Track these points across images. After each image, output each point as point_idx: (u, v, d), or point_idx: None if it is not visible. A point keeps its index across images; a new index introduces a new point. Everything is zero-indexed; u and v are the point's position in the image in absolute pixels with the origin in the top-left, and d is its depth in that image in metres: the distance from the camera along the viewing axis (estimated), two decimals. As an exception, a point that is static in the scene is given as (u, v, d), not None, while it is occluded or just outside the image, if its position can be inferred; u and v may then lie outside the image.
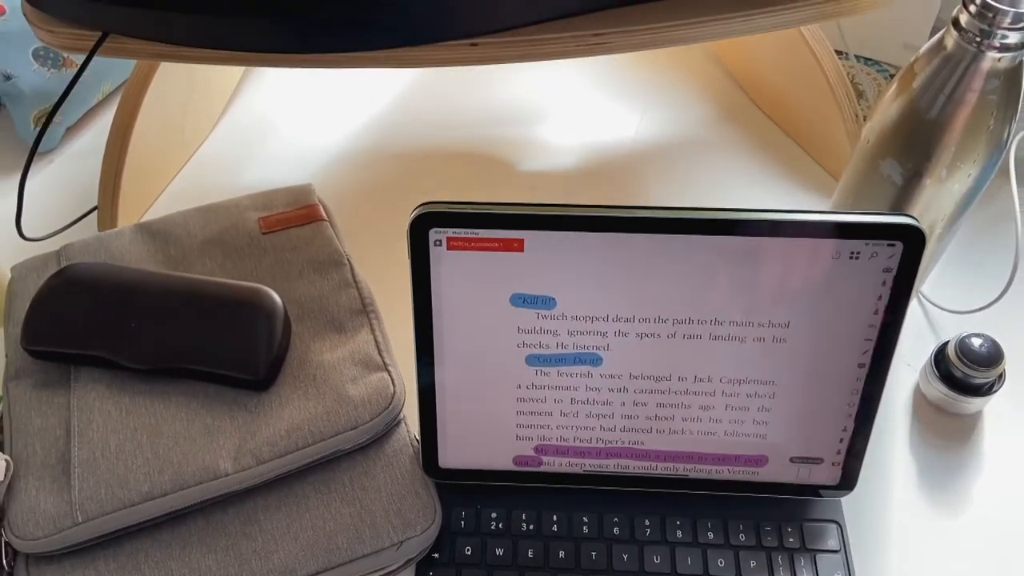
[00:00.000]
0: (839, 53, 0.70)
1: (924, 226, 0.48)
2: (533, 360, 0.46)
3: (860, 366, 0.45)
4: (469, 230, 0.42)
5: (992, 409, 0.55)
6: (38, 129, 0.63)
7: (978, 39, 0.42)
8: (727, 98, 0.75)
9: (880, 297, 0.43)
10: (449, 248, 0.43)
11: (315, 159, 0.70)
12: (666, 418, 0.48)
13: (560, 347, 0.46)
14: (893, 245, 0.41)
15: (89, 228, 0.62)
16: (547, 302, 0.44)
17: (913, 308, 0.60)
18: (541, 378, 0.47)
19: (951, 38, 0.43)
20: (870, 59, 0.74)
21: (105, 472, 0.46)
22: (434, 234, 0.42)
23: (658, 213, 0.42)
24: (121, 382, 0.50)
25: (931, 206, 0.48)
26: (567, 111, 0.74)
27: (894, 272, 0.42)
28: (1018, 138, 0.66)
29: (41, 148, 0.70)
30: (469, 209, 0.42)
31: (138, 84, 0.60)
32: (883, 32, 0.72)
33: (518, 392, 0.47)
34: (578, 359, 0.46)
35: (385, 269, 0.53)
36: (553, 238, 0.42)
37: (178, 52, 0.45)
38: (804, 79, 0.67)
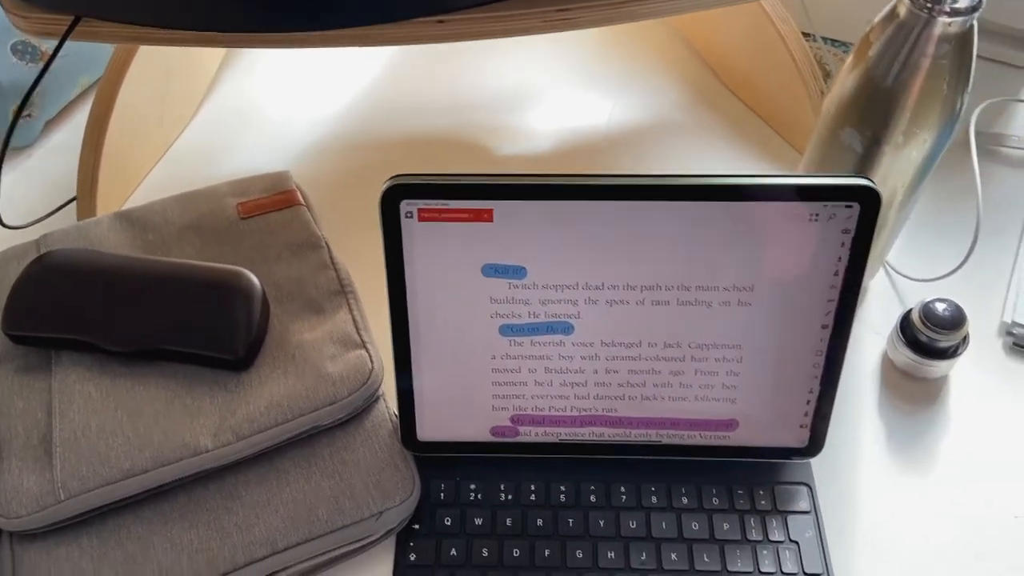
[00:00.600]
0: (806, 35, 0.71)
1: (885, 192, 0.50)
2: (506, 330, 0.47)
3: (823, 327, 0.46)
4: (439, 201, 0.43)
5: (957, 372, 0.56)
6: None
7: (929, 5, 0.43)
8: (698, 81, 0.76)
9: (840, 258, 0.44)
10: (420, 220, 0.44)
11: (293, 147, 0.71)
12: (638, 385, 0.49)
13: (532, 316, 0.47)
14: (851, 207, 0.42)
15: (69, 219, 0.62)
16: (518, 271, 0.45)
17: (880, 277, 0.61)
18: (515, 348, 0.48)
19: (903, 6, 0.44)
20: (836, 40, 0.76)
21: (86, 451, 0.47)
22: (405, 206, 0.43)
23: (623, 181, 0.43)
24: (102, 365, 0.50)
25: (891, 173, 0.50)
26: (542, 97, 0.75)
27: (852, 233, 0.43)
28: (978, 110, 0.67)
29: (20, 143, 0.70)
30: (438, 180, 0.43)
31: (115, 74, 0.61)
32: (848, 13, 0.74)
33: (493, 363, 0.48)
34: (550, 328, 0.47)
35: (363, 251, 0.54)
36: (522, 207, 0.43)
37: (150, 34, 0.46)
38: (771, 60, 0.69)
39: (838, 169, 0.51)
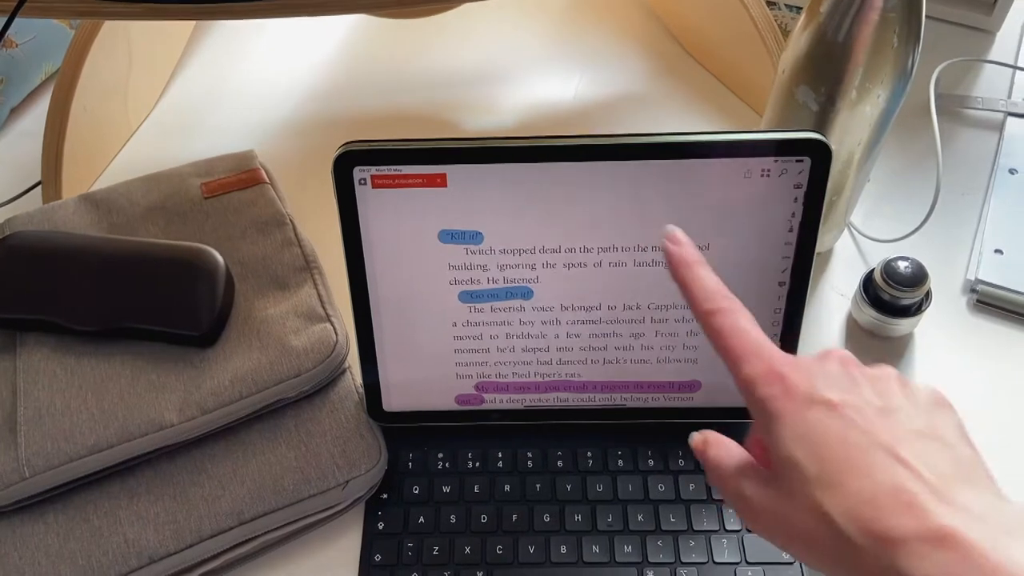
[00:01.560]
0: (769, 3, 0.71)
1: (842, 151, 0.50)
2: (466, 296, 0.47)
3: (780, 284, 0.46)
4: (392, 167, 0.43)
5: (921, 330, 0.57)
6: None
7: (875, -41, 0.43)
8: (665, 52, 0.76)
9: (793, 214, 0.44)
10: (374, 187, 0.44)
11: (259, 128, 0.71)
12: (599, 348, 0.49)
13: (491, 282, 0.47)
14: (801, 161, 0.43)
15: (34, 203, 0.62)
16: (474, 236, 0.45)
17: (844, 240, 0.62)
18: (475, 315, 0.48)
19: (852, -39, 0.45)
20: (799, 7, 0.76)
21: (51, 428, 0.47)
22: (358, 172, 0.43)
23: (574, 141, 0.43)
24: (67, 344, 0.50)
25: (847, 131, 0.50)
26: (507, 71, 0.75)
27: (804, 188, 0.43)
28: (937, 71, 0.68)
29: (-15, 130, 0.70)
30: (390, 146, 0.43)
31: (75, 56, 0.61)
32: (812, -19, 0.74)
33: (454, 330, 0.48)
34: (509, 293, 0.47)
35: (329, 228, 0.54)
36: (475, 171, 0.43)
37: (102, 8, 0.46)
38: (735, 29, 0.69)
39: (795, 128, 0.51)
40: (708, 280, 0.35)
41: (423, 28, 0.78)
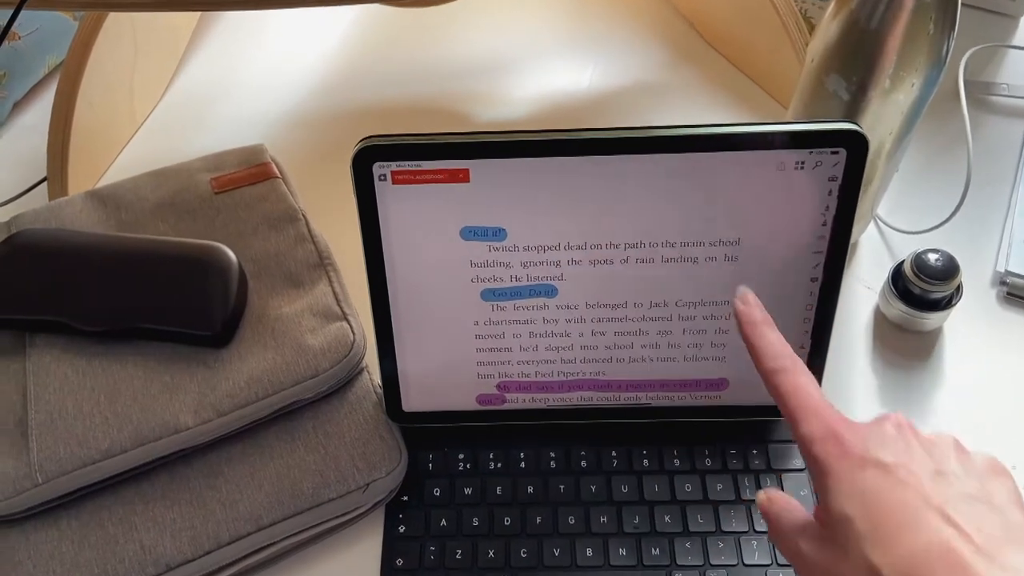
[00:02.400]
0: (789, -13, 0.69)
1: (873, 141, 0.48)
2: (488, 295, 0.46)
3: (813, 280, 0.45)
4: (413, 162, 0.42)
5: (951, 324, 0.55)
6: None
7: (912, -57, 0.42)
8: (679, 39, 0.75)
9: (828, 207, 0.43)
10: (394, 183, 0.42)
11: (268, 120, 0.69)
12: (625, 346, 0.48)
13: (514, 280, 0.45)
14: (837, 152, 0.41)
15: (40, 199, 0.61)
16: (497, 233, 0.44)
17: (870, 231, 0.60)
18: (498, 313, 0.47)
19: (886, -55, 0.43)
20: (821, -7, 0.74)
21: (63, 432, 0.45)
22: (378, 168, 0.42)
23: (601, 134, 0.41)
24: (77, 345, 0.49)
25: (879, 120, 0.48)
26: (520, 61, 0.74)
27: (839, 181, 0.42)
28: (966, 57, 0.66)
29: (-11, 125, 0.69)
30: (411, 140, 0.41)
31: (80, 49, 0.59)
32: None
33: (476, 329, 0.47)
34: (533, 291, 0.46)
35: (342, 222, 0.53)
36: (498, 166, 0.42)
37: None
38: (754, 14, 0.67)
39: (825, 118, 0.50)
40: (774, 340, 0.37)
41: (433, 17, 0.76)
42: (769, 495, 0.37)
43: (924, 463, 0.32)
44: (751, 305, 0.38)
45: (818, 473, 0.33)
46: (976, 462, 0.34)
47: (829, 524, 0.32)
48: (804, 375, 0.36)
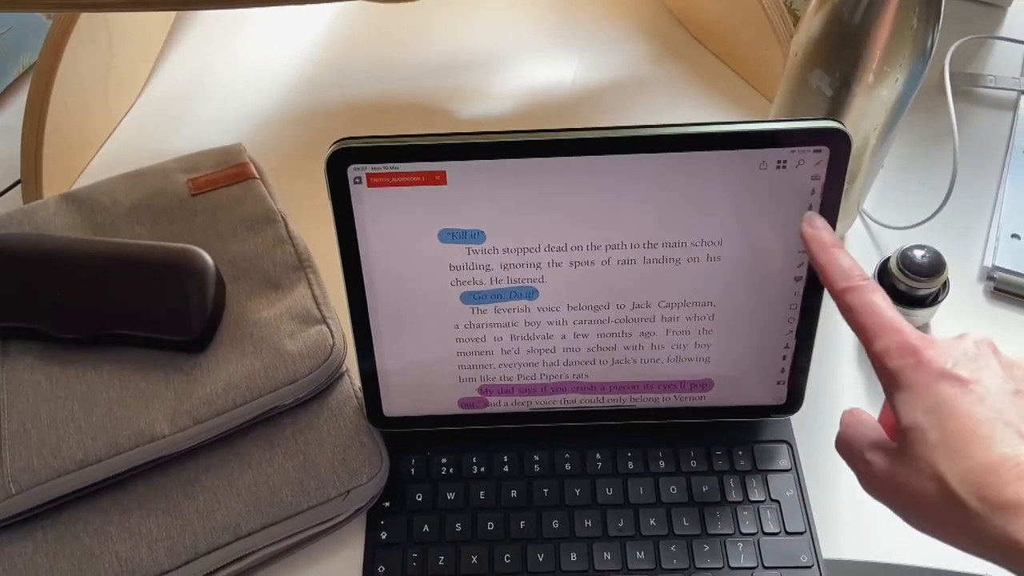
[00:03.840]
0: (774, -20, 0.68)
1: (857, 136, 0.48)
2: (468, 298, 0.45)
3: (796, 279, 0.44)
4: (388, 165, 0.41)
5: (939, 320, 0.55)
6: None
7: (894, -64, 0.41)
8: (665, 33, 0.74)
9: (811, 207, 0.42)
10: (370, 185, 0.41)
11: (245, 120, 0.68)
12: (608, 348, 0.47)
13: (494, 282, 0.45)
14: (819, 151, 0.40)
15: (14, 203, 0.60)
16: (476, 236, 0.43)
17: (856, 227, 0.60)
18: (478, 316, 0.46)
19: (868, -62, 0.42)
20: (806, -15, 0.73)
21: (37, 442, 0.45)
22: (353, 171, 0.41)
23: (579, 135, 0.41)
24: (52, 353, 0.48)
25: (863, 115, 0.48)
26: (503, 56, 0.73)
27: (822, 179, 0.41)
28: (951, 50, 0.65)
29: (-38, 127, 0.67)
30: (387, 142, 0.41)
31: (52, 49, 0.58)
32: (817, -44, 0.71)
33: (456, 332, 0.46)
34: (513, 293, 0.45)
35: (322, 224, 0.52)
36: (475, 167, 0.41)
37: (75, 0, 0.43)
38: (739, 7, 0.66)
39: (808, 114, 0.49)
40: (844, 260, 0.37)
41: (414, 13, 0.75)
42: (852, 411, 0.38)
43: (1002, 381, 0.32)
44: (819, 228, 0.39)
45: (893, 387, 0.33)
46: None
47: (900, 436, 0.33)
48: (878, 292, 0.35)
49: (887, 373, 0.34)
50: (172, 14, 0.75)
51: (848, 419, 0.38)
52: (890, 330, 0.34)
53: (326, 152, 0.41)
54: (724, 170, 0.41)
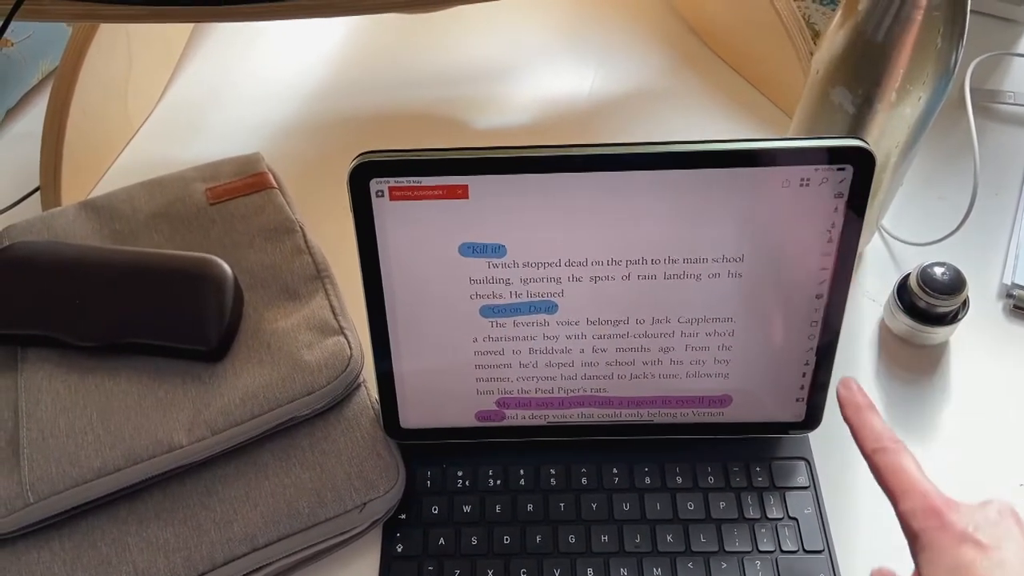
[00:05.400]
0: (792, -7, 0.68)
1: (879, 153, 0.48)
2: (487, 311, 0.45)
3: (818, 297, 0.44)
4: (411, 178, 0.41)
5: (958, 338, 0.55)
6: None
7: (920, -46, 0.41)
8: (682, 46, 0.74)
9: (833, 224, 0.42)
10: (392, 199, 0.41)
11: (264, 129, 0.69)
12: (627, 363, 0.47)
13: (514, 296, 0.45)
14: (843, 169, 0.40)
15: (33, 209, 0.60)
16: (497, 250, 0.43)
17: (875, 243, 0.59)
18: (497, 330, 0.46)
19: (894, -44, 0.42)
20: (825, -1, 0.73)
21: (55, 451, 0.45)
22: (375, 184, 0.41)
23: (602, 150, 0.41)
24: (70, 361, 0.48)
25: (885, 133, 0.48)
26: (520, 67, 0.73)
27: (846, 197, 0.41)
28: (972, 66, 0.65)
29: (-19, 132, 0.68)
30: (409, 156, 0.41)
31: (73, 57, 0.58)
32: (836, -30, 0.71)
33: (475, 346, 0.46)
34: (533, 308, 0.45)
35: (340, 234, 0.52)
36: (498, 182, 0.41)
37: (99, 11, 0.43)
38: (758, 21, 0.66)
39: (829, 131, 0.49)
40: (876, 423, 0.39)
41: (432, 23, 0.75)
42: (882, 569, 0.39)
43: (1022, 550, 0.34)
44: (853, 391, 0.40)
45: (917, 547, 0.35)
46: None
47: None
48: (906, 455, 0.37)
49: (912, 533, 0.35)
50: (191, 23, 0.75)
51: (880, 574, 0.40)
52: (917, 492, 0.36)
53: (345, 162, 0.41)
54: (746, 187, 0.41)
